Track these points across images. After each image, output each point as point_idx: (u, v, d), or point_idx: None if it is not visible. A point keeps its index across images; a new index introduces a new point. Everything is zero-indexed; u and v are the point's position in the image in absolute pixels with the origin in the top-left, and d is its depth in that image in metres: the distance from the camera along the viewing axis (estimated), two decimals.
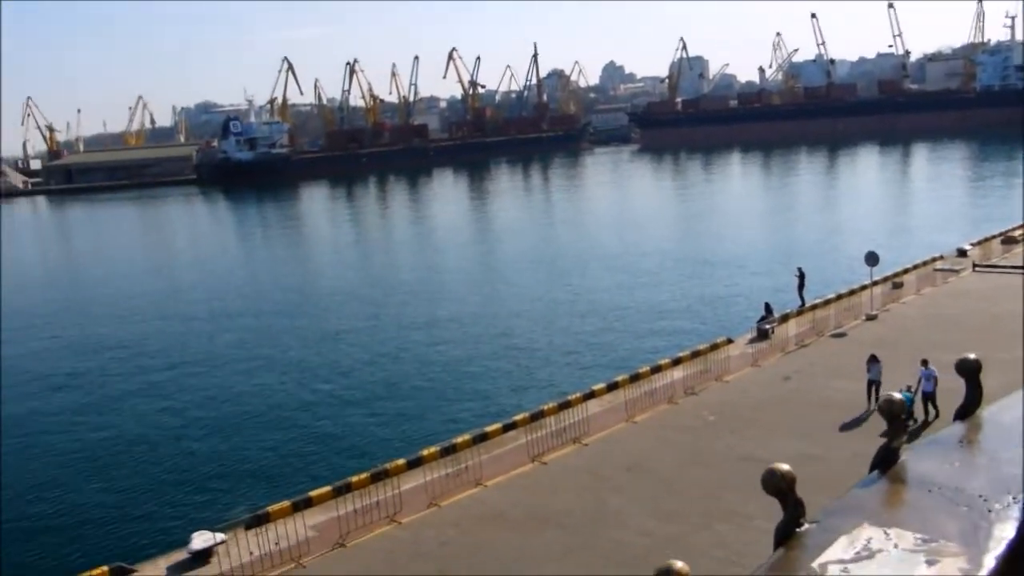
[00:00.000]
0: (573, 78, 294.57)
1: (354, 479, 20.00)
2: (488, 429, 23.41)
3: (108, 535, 23.37)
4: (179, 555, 18.16)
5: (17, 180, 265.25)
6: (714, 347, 29.35)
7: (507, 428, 23.73)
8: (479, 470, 20.85)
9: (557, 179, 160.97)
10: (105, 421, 33.55)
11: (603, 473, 20.65)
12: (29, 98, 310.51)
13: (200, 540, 18.20)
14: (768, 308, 33.40)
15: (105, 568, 17.72)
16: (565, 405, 24.32)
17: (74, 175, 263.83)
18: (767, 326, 31.70)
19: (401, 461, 21.22)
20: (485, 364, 37.98)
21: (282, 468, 27.24)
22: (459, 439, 22.31)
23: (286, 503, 19.34)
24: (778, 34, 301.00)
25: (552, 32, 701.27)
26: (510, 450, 22.44)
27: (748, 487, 18.75)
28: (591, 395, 25.63)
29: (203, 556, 17.99)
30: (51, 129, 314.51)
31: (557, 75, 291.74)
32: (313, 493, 19.95)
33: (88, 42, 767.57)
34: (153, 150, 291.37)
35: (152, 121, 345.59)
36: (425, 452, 21.79)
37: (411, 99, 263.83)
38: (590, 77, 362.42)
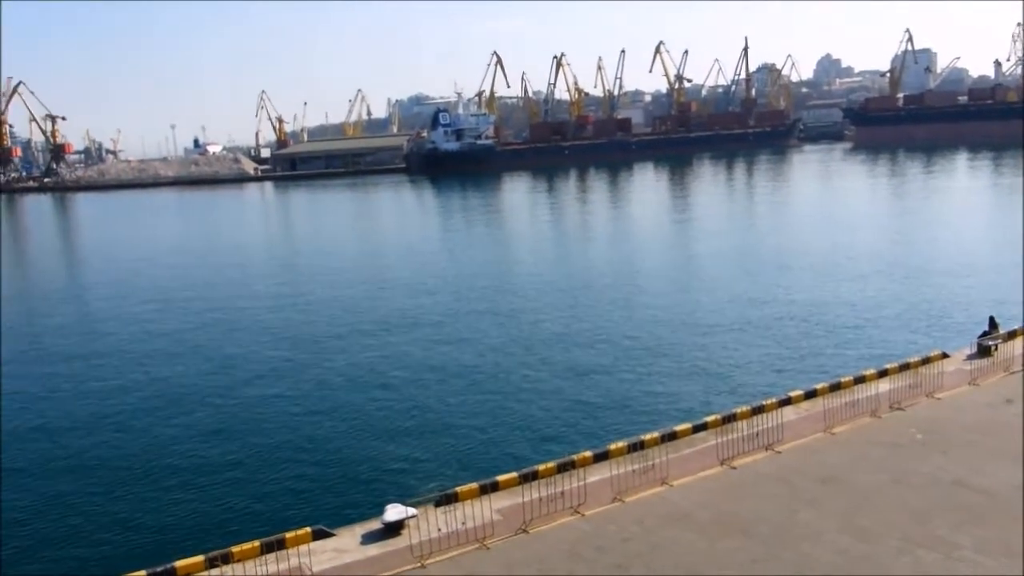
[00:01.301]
0: (785, 72, 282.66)
1: (540, 467, 20.25)
2: (678, 428, 23.00)
3: (313, 499, 25.03)
4: (373, 524, 19.11)
5: (249, 167, 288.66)
6: (926, 361, 27.26)
7: (697, 429, 23.21)
8: (666, 469, 20.53)
9: (762, 176, 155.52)
10: (319, 393, 35.89)
11: (796, 483, 19.76)
12: (263, 92, 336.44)
13: (393, 512, 19.07)
14: (992, 322, 30.63)
15: (308, 529, 18.98)
16: (759, 410, 23.43)
17: (297, 163, 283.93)
18: (990, 342, 29.07)
19: (588, 453, 21.27)
20: (676, 361, 37.38)
21: (472, 449, 28.09)
22: (647, 436, 22.05)
23: (474, 485, 19.87)
24: (1019, 24, 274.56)
25: (765, 25, 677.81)
26: (699, 451, 21.93)
27: (960, 514, 17.39)
28: (787, 401, 24.58)
29: (395, 528, 18.85)
30: (280, 121, 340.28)
31: (767, 69, 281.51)
32: (500, 477, 20.39)
33: (321, 39, 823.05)
34: (368, 140, 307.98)
35: (369, 113, 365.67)
36: (612, 446, 21.73)
37: (616, 93, 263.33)
38: (803, 71, 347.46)
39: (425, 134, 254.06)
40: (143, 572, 17.90)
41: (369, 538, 18.79)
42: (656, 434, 22.27)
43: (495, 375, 36.87)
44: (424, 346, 42.61)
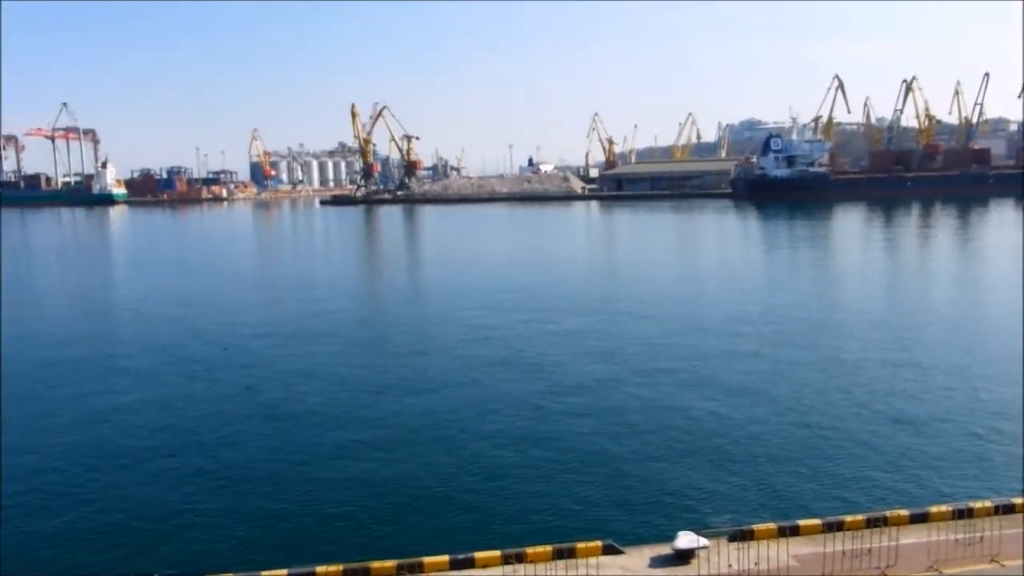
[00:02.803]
0: None
1: (847, 518, 18.86)
2: (1015, 501, 20.27)
3: (603, 512, 25.31)
4: (663, 549, 18.94)
5: (577, 186, 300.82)
6: None
7: None
8: (997, 544, 18.18)
9: None
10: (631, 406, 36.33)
11: None
12: (596, 114, 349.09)
13: (685, 540, 18.78)
14: None
15: (599, 542, 19.27)
16: None
17: (624, 183, 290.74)
18: None
19: (903, 512, 19.43)
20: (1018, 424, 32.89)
21: (773, 487, 26.80)
22: (976, 504, 19.69)
23: (772, 525, 19.00)
24: None
25: None
26: None
27: None
28: None
29: (685, 556, 18.54)
30: (610, 142, 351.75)
31: None
32: (802, 522, 19.30)
33: (653, 64, 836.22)
34: (695, 163, 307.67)
35: (698, 136, 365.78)
36: (933, 509, 19.66)
37: (974, 120, 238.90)
38: None
39: (754, 159, 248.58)
40: (446, 557, 19.22)
41: (658, 562, 18.66)
42: (988, 503, 19.83)
43: (806, 411, 34.91)
44: (734, 372, 41.46)
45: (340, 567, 18.52)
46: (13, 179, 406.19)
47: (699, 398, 37.43)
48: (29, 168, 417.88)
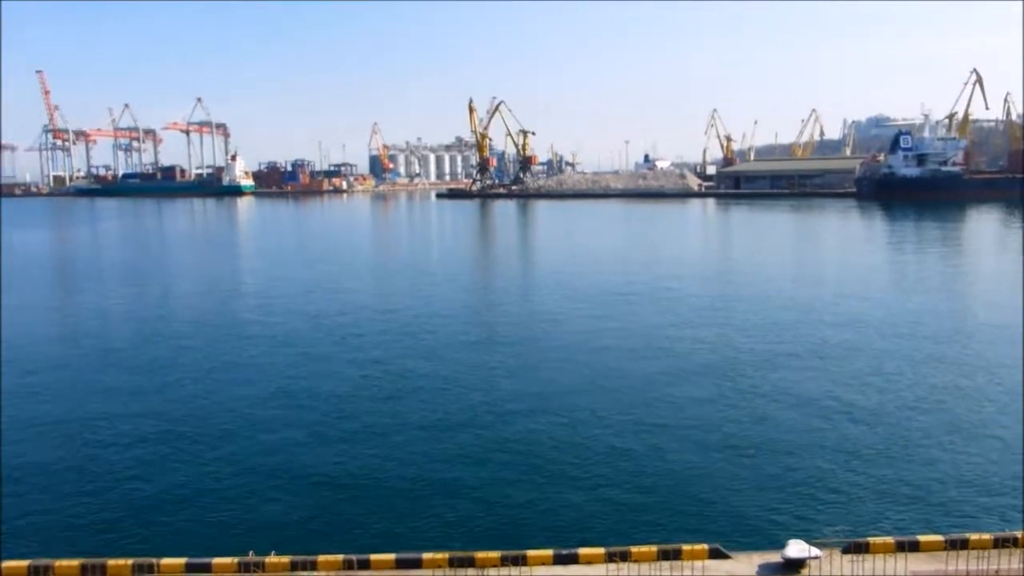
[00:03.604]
0: None
1: (972, 536, 17.94)
2: None
3: (708, 513, 24.78)
4: (771, 556, 18.44)
5: (693, 183, 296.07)
6: None
7: None
8: None
9: None
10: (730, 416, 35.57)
11: None
12: (715, 110, 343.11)
13: (795, 549, 18.23)
14: None
15: (705, 546, 18.94)
16: None
17: (741, 181, 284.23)
18: None
19: None
20: None
21: (890, 500, 25.65)
22: None
23: (889, 539, 18.26)
24: None
25: None
26: None
27: None
28: None
29: (795, 566, 18.00)
30: (728, 139, 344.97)
31: None
32: (922, 537, 18.46)
33: (777, 59, 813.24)
34: (817, 162, 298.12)
35: (821, 134, 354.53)
36: None
37: None
38: None
39: (881, 158, 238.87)
40: (550, 551, 19.28)
41: (766, 570, 18.20)
42: None
43: (934, 423, 33.27)
44: (854, 379, 39.93)
45: (446, 555, 18.84)
46: (151, 170, 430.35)
47: (820, 401, 36.24)
48: (165, 160, 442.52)
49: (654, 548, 18.72)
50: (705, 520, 24.21)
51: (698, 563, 18.29)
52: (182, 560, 19.15)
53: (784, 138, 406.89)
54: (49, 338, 54.70)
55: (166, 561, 19.09)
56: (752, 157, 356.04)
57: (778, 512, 24.68)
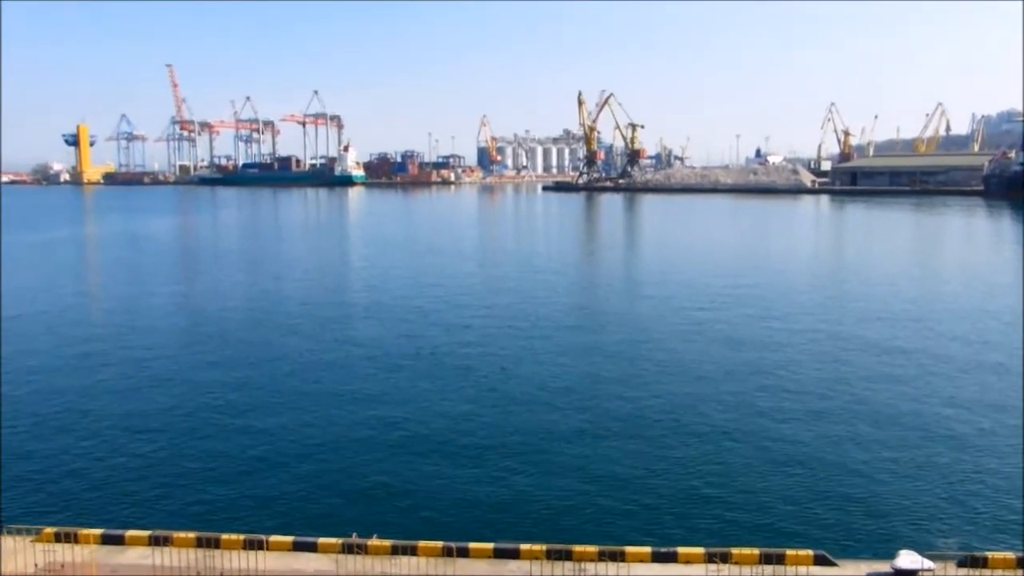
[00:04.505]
0: None
1: None
2: None
3: (814, 518, 23.99)
4: (881, 566, 17.77)
5: (806, 179, 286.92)
6: None
7: None
8: None
9: None
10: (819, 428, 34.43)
11: None
12: (832, 104, 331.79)
13: (907, 560, 17.52)
14: None
15: (810, 552, 18.41)
16: None
17: (859, 177, 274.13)
18: None
19: None
20: None
21: (1012, 513, 24.31)
22: None
23: (1010, 555, 17.36)
24: None
25: None
26: None
27: None
28: None
29: None
30: (846, 134, 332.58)
31: None
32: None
33: (894, 51, 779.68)
34: (941, 158, 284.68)
35: (947, 129, 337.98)
36: None
37: None
38: None
39: (1013, 155, 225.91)
40: (648, 549, 19.11)
41: None
42: None
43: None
44: (965, 388, 38.05)
45: (543, 547, 18.92)
46: (268, 160, 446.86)
47: (924, 409, 34.71)
48: (283, 151, 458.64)
49: (756, 551, 18.31)
50: (811, 525, 23.49)
51: (802, 569, 17.80)
52: (290, 538, 19.87)
53: (907, 133, 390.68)
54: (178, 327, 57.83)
55: (274, 538, 19.84)
56: (871, 152, 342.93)
57: (889, 520, 23.69)
